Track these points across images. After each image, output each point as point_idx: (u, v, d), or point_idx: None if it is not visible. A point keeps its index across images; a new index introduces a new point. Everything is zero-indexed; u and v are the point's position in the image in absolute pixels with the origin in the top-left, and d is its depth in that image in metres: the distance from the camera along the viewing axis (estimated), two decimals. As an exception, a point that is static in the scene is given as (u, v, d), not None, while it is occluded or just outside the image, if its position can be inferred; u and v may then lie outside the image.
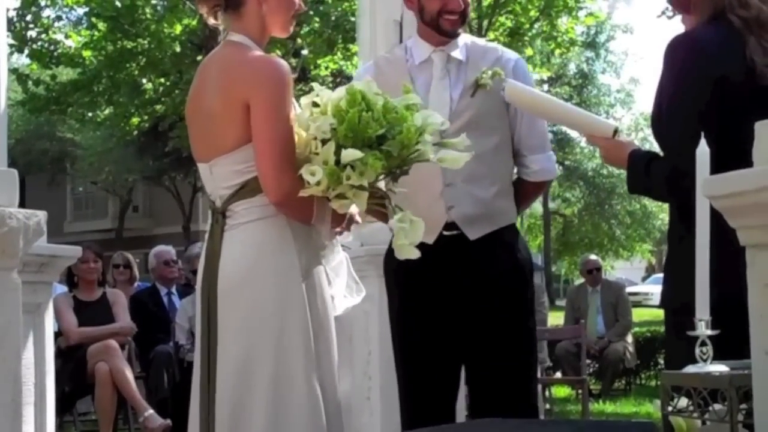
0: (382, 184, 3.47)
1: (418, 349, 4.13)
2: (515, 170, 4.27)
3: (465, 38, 4.20)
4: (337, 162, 3.28)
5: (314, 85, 3.50)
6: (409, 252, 3.41)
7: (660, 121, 3.52)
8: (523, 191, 4.27)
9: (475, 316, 4.06)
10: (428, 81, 4.12)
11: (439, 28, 4.10)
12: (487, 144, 4.07)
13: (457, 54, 4.13)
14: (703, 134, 2.97)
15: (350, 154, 3.24)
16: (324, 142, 3.31)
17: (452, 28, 4.09)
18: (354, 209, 3.53)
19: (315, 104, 3.41)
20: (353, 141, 3.26)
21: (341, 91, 3.38)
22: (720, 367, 2.79)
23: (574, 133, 35.84)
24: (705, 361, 2.81)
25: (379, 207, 3.50)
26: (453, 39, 4.13)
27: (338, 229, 3.61)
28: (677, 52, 3.46)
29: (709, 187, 2.66)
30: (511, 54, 4.25)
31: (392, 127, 3.29)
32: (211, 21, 3.68)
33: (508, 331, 4.08)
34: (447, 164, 3.44)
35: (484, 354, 4.11)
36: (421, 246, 4.00)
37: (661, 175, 3.40)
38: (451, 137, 3.98)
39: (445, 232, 4.04)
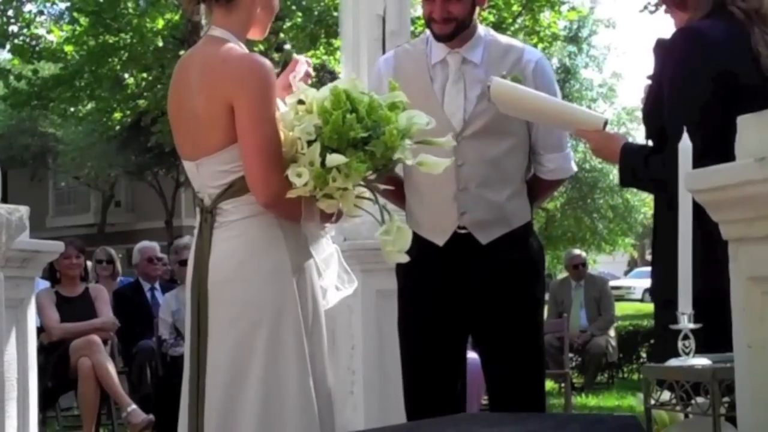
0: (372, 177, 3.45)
1: (426, 337, 4.13)
2: (531, 167, 4.23)
3: (486, 36, 4.12)
4: (323, 164, 3.26)
5: (298, 84, 3.47)
6: (398, 257, 3.40)
7: (654, 115, 3.51)
8: (539, 188, 4.25)
9: (484, 309, 4.07)
10: (444, 83, 4.08)
11: (432, 32, 4.06)
12: (502, 147, 4.05)
13: (473, 56, 4.07)
14: (686, 128, 2.97)
15: (335, 159, 3.23)
16: (310, 143, 3.30)
17: (440, 32, 4.03)
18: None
19: (300, 101, 3.39)
20: (338, 142, 3.24)
21: (326, 90, 3.35)
22: (702, 361, 2.80)
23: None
24: (687, 354, 2.82)
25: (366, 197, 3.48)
26: (446, 42, 4.05)
27: (326, 224, 3.60)
28: (680, 46, 3.45)
29: (692, 181, 2.67)
30: (532, 54, 4.16)
31: (377, 127, 3.27)
32: (193, 14, 3.64)
33: (516, 326, 4.09)
34: (426, 169, 3.41)
35: (493, 346, 4.13)
36: (433, 245, 4.01)
37: (663, 169, 3.39)
38: (465, 140, 3.98)
39: (459, 230, 4.05)
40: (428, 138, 3.48)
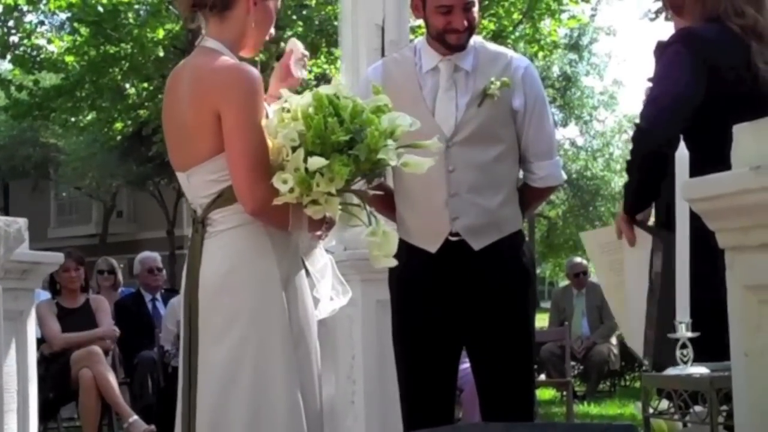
0: (360, 185, 3.45)
1: (420, 346, 4.13)
2: (521, 175, 4.26)
3: (476, 43, 4.13)
4: (307, 169, 3.26)
5: (282, 91, 3.47)
6: (384, 262, 3.40)
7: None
8: (529, 196, 4.26)
9: (477, 317, 4.07)
10: (435, 90, 4.09)
11: (445, 43, 4.05)
12: (493, 153, 4.06)
13: (465, 63, 4.08)
14: (682, 137, 2.98)
15: (315, 162, 3.22)
16: (294, 149, 3.29)
17: (458, 42, 4.04)
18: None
19: (285, 110, 3.39)
20: (321, 147, 3.24)
21: (309, 96, 3.35)
22: (700, 369, 2.80)
23: (558, 135, 35.92)
24: (686, 363, 2.82)
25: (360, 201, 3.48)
26: (461, 51, 4.09)
27: (319, 233, 3.60)
28: (675, 45, 3.48)
29: (688, 189, 2.67)
30: (520, 61, 4.18)
31: (360, 131, 3.27)
32: (189, 21, 3.65)
33: (508, 334, 4.09)
34: (411, 169, 3.39)
35: (485, 355, 4.14)
36: (425, 253, 4.02)
37: (641, 151, 3.46)
38: (456, 146, 3.99)
39: (451, 238, 4.05)
40: (415, 141, 3.46)
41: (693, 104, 3.37)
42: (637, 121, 3.49)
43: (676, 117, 3.33)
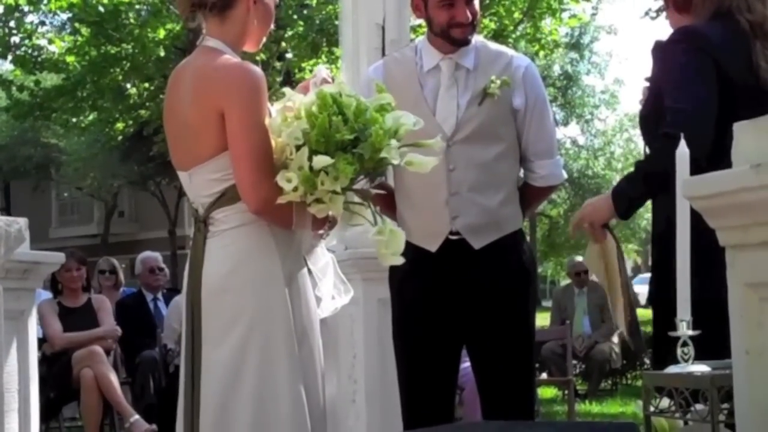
0: (362, 183, 3.45)
1: (420, 345, 4.13)
2: (522, 174, 4.26)
3: (477, 42, 4.13)
4: (311, 167, 3.26)
5: (286, 90, 3.47)
6: (392, 260, 3.40)
7: (653, 119, 3.51)
8: (530, 195, 4.25)
9: (477, 316, 4.07)
10: (436, 89, 4.08)
11: (450, 39, 4.04)
12: (493, 152, 4.05)
13: (466, 62, 4.07)
14: (682, 135, 2.98)
15: (321, 160, 3.22)
16: (298, 147, 3.30)
17: (463, 37, 4.03)
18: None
19: (288, 107, 3.39)
20: (326, 146, 3.24)
21: (312, 95, 3.35)
22: (701, 367, 2.80)
23: (559, 134, 35.93)
24: (686, 361, 2.82)
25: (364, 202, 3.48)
26: (465, 47, 4.08)
27: (321, 232, 3.60)
28: (680, 44, 3.47)
29: (689, 187, 2.67)
30: (521, 60, 4.17)
31: (364, 129, 3.26)
32: (189, 20, 3.64)
33: (508, 333, 4.09)
34: (414, 168, 3.39)
35: (486, 354, 4.13)
36: (425, 252, 4.02)
37: (657, 159, 3.42)
38: (456, 145, 3.99)
39: (451, 236, 4.05)
40: (417, 140, 3.46)
41: (716, 108, 3.36)
42: (668, 129, 3.40)
43: (709, 125, 3.30)
